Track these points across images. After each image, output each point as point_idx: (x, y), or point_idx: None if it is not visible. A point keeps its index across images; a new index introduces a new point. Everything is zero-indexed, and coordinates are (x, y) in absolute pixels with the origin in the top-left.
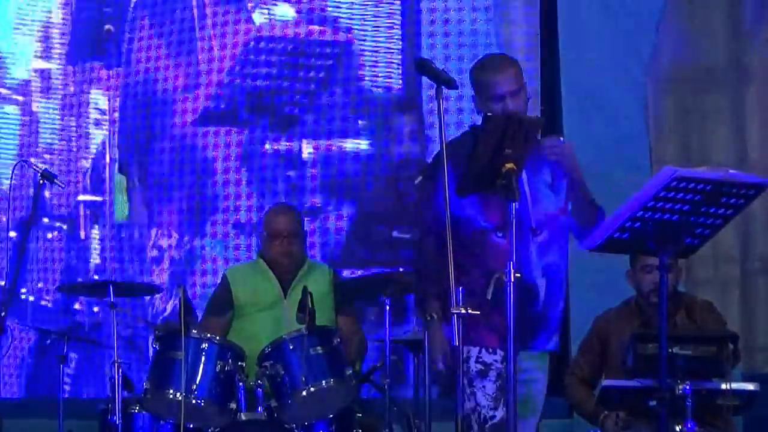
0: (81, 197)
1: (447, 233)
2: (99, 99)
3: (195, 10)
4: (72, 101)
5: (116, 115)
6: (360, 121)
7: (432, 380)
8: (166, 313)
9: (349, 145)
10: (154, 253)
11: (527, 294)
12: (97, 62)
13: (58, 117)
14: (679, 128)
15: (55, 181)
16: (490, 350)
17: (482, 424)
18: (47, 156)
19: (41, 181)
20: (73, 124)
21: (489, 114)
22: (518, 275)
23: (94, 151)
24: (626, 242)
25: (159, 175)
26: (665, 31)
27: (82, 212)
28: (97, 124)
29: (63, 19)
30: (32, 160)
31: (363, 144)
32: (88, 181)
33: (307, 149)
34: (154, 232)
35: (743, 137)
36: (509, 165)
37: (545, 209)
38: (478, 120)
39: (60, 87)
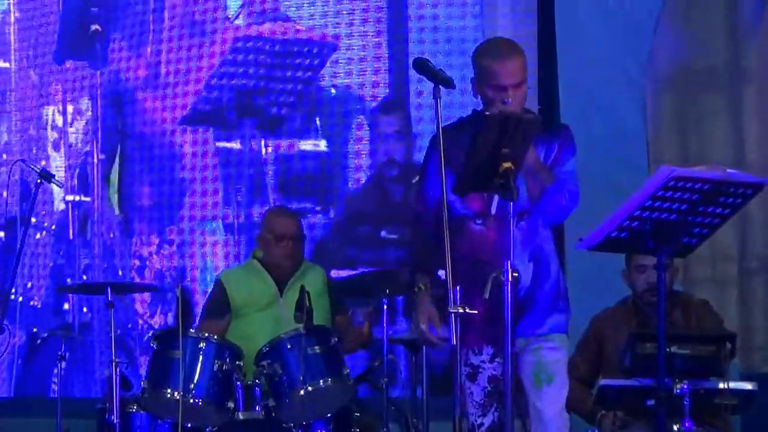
0: (69, 197)
1: (445, 231)
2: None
3: (178, 14)
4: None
5: (89, 114)
6: (344, 122)
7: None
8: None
9: (334, 145)
10: (136, 263)
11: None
12: (83, 62)
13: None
14: (676, 128)
15: (53, 180)
16: (476, 351)
17: (471, 431)
18: (4, 156)
19: (39, 180)
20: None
21: (487, 114)
22: (515, 274)
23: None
24: (624, 241)
25: (138, 176)
26: (663, 31)
27: (70, 213)
28: (54, 127)
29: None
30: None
31: (347, 144)
32: (76, 182)
33: (290, 149)
34: (135, 240)
35: (741, 137)
36: (507, 164)
37: (524, 192)
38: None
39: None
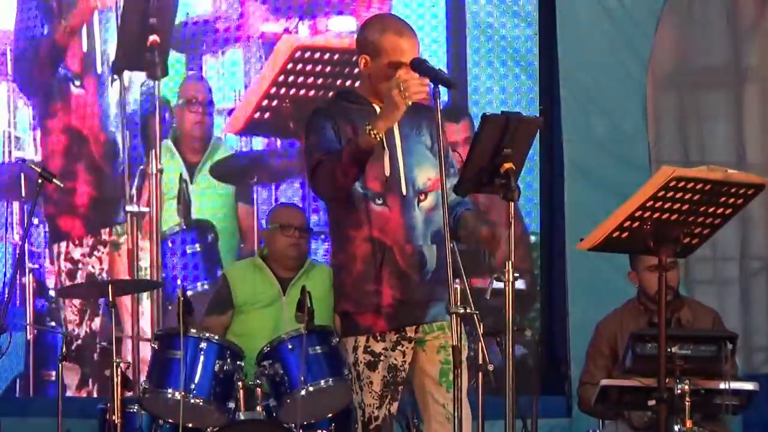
0: (128, 208)
1: (445, 230)
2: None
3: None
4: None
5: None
6: None
7: None
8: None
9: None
10: None
11: (416, 263)
12: (141, 73)
13: None
14: (678, 128)
15: (54, 180)
16: (378, 337)
17: (366, 424)
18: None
19: (39, 180)
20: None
21: (486, 113)
22: (517, 277)
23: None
24: (625, 242)
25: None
26: (664, 31)
27: (129, 222)
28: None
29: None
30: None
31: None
32: (135, 192)
33: None
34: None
35: (742, 137)
36: (508, 165)
37: (428, 173)
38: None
39: None
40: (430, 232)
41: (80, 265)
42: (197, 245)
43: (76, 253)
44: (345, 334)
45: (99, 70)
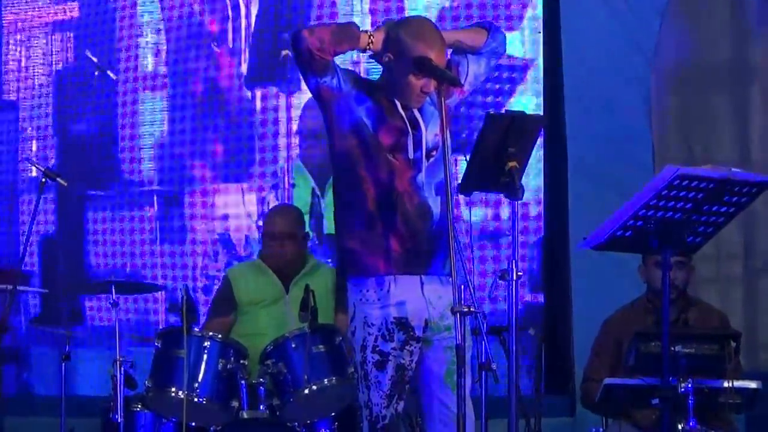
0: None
1: (450, 238)
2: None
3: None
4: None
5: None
6: None
7: None
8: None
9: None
10: None
11: (423, 213)
12: (274, 87)
13: None
14: (682, 126)
15: (58, 179)
16: (387, 337)
17: (373, 423)
18: None
19: (43, 179)
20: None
21: (490, 112)
22: (520, 274)
23: None
24: (629, 240)
25: None
26: (668, 28)
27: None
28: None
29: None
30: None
31: None
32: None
33: None
34: None
35: (746, 135)
36: (512, 163)
37: (434, 130)
38: None
39: None
40: (433, 183)
41: (215, 282)
42: (328, 259)
43: (212, 270)
44: (348, 275)
45: (230, 45)
